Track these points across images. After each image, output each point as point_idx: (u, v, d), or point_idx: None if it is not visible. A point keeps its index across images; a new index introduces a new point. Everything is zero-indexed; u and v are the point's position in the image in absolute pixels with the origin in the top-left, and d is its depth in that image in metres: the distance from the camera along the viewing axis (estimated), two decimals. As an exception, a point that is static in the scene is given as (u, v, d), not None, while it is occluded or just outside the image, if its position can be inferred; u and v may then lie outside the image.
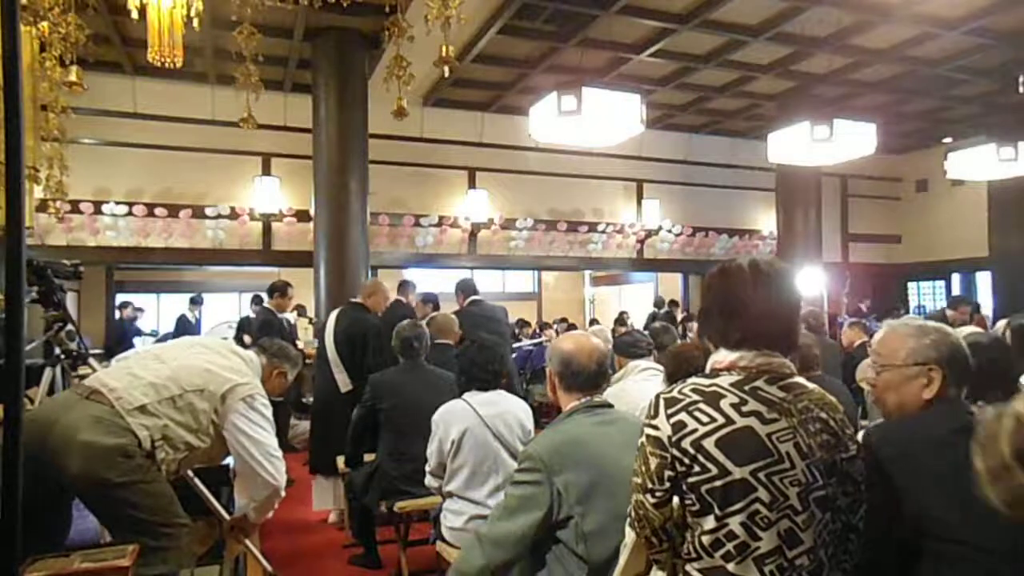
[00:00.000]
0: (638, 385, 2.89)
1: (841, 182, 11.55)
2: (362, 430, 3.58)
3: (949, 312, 6.25)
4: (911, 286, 12.40)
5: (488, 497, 2.68)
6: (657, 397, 1.38)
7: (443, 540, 2.77)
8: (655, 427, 1.35)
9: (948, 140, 10.59)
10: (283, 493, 2.44)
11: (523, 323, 10.25)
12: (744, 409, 1.30)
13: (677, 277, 11.68)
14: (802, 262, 9.34)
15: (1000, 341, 2.35)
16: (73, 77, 4.53)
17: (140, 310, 9.58)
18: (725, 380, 1.35)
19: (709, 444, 1.28)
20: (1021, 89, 7.67)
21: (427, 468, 2.88)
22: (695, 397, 1.33)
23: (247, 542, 2.62)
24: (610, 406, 2.04)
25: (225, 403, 2.30)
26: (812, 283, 9.23)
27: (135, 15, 3.17)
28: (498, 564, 1.83)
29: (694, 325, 9.55)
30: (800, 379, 1.40)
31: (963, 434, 1.43)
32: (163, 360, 2.34)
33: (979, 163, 7.70)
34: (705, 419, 1.30)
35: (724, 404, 1.31)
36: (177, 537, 2.15)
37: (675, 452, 1.30)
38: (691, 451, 1.29)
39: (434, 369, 3.61)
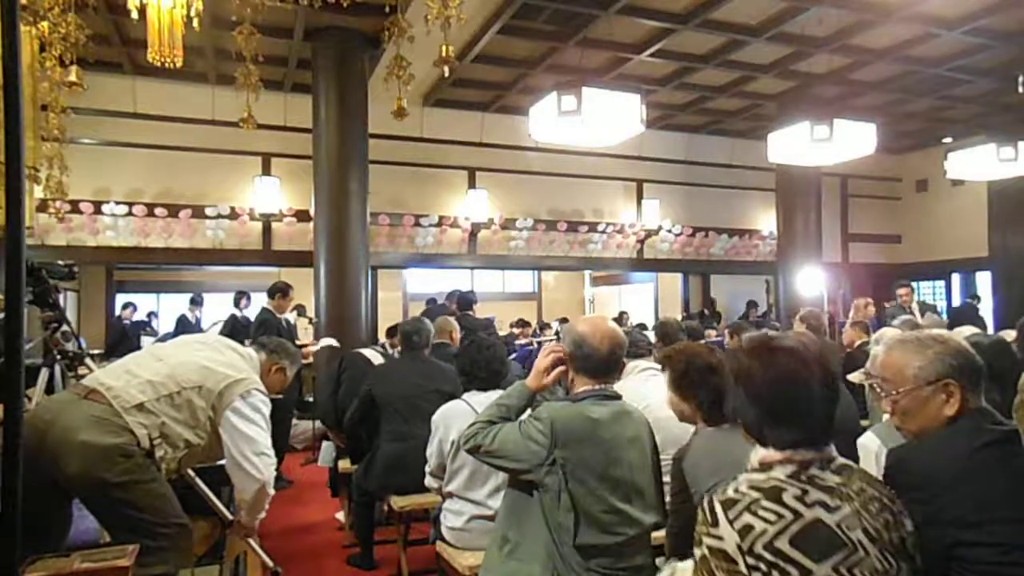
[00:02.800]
0: (638, 386, 2.89)
1: (841, 182, 11.55)
2: (360, 417, 3.68)
3: (901, 289, 6.35)
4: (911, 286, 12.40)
5: (488, 497, 2.67)
6: (710, 501, 1.27)
7: (443, 540, 2.77)
8: (718, 537, 1.22)
9: (948, 140, 10.57)
10: (271, 491, 2.41)
11: (523, 323, 10.25)
12: (808, 500, 1.21)
13: (677, 277, 11.67)
14: (802, 262, 9.34)
15: (1001, 342, 2.35)
16: (73, 77, 4.53)
17: (146, 322, 9.64)
18: (780, 472, 1.26)
19: (783, 544, 1.18)
20: (1021, 89, 7.66)
21: (427, 468, 2.88)
22: (754, 495, 1.23)
23: (250, 540, 2.61)
24: (619, 397, 2.03)
25: (223, 399, 2.29)
26: (812, 283, 9.22)
27: (135, 15, 3.17)
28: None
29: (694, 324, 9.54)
30: (842, 461, 1.31)
31: (989, 449, 1.37)
32: (161, 358, 2.34)
33: (979, 163, 7.69)
34: (772, 517, 1.20)
35: (787, 497, 1.21)
36: (177, 537, 2.14)
37: (749, 560, 1.18)
38: (767, 556, 1.17)
39: (435, 361, 3.71)
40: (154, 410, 2.17)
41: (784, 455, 1.27)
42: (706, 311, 10.89)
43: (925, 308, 6.45)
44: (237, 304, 7.02)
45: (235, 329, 6.01)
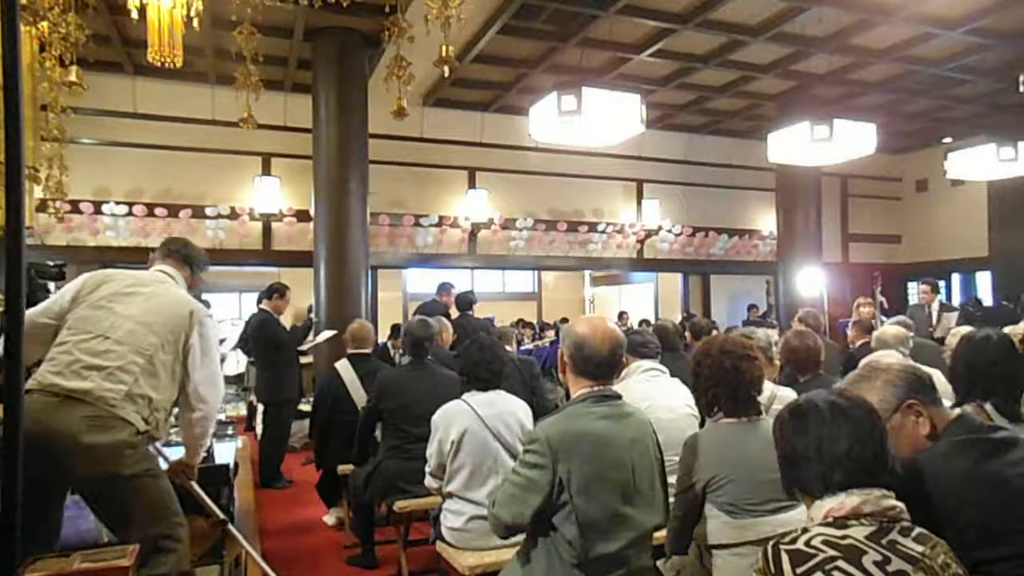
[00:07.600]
0: (640, 385, 2.89)
1: (841, 182, 11.55)
2: (368, 428, 3.64)
3: (923, 287, 6.27)
4: (911, 286, 12.38)
5: (488, 497, 2.67)
6: (775, 549, 1.17)
7: (443, 540, 2.77)
8: None
9: (948, 140, 10.58)
10: (214, 417, 2.46)
11: (524, 323, 10.24)
12: (890, 569, 1.12)
13: (677, 277, 11.67)
14: (802, 262, 9.34)
15: (1003, 341, 2.33)
16: (73, 77, 4.52)
17: None
18: (858, 532, 1.16)
19: None
20: (1021, 89, 7.67)
21: (427, 469, 2.88)
22: (829, 552, 1.13)
23: (193, 484, 2.58)
24: (619, 397, 2.01)
25: (184, 339, 2.34)
26: (812, 283, 9.20)
27: (135, 15, 3.17)
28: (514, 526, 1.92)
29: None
30: (921, 529, 1.21)
31: (987, 462, 1.34)
32: (107, 335, 2.20)
33: (979, 163, 7.70)
34: None
35: (867, 562, 1.12)
36: (179, 538, 2.15)
37: None
38: None
39: (440, 369, 3.62)
40: (139, 392, 2.16)
41: (855, 504, 1.19)
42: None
43: (945, 309, 6.33)
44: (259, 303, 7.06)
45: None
